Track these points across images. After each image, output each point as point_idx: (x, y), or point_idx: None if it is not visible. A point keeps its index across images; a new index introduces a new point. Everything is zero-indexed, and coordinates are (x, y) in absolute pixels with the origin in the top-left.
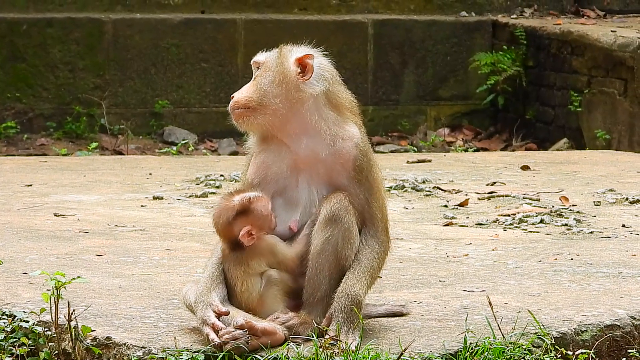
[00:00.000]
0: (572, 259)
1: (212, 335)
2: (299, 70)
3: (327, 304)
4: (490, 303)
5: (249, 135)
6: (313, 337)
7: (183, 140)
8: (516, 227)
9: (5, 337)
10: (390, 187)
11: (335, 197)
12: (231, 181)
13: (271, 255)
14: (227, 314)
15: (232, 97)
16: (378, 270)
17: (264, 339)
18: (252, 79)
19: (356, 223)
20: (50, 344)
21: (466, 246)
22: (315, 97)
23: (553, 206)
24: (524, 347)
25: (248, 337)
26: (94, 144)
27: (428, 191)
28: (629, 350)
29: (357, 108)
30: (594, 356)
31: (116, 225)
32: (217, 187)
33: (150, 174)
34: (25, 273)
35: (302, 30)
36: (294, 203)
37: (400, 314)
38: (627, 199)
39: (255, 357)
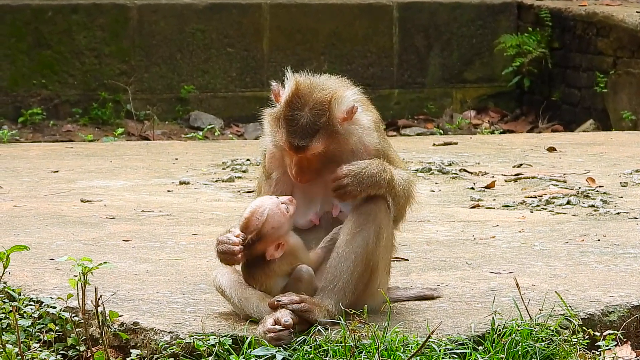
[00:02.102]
0: (599, 240)
1: (261, 327)
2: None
3: (344, 298)
4: (517, 285)
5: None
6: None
7: (209, 125)
8: (543, 208)
9: (32, 323)
10: (417, 170)
11: (373, 197)
12: (257, 165)
13: (293, 258)
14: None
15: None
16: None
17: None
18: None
19: (392, 227)
20: (77, 329)
21: (493, 228)
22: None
23: (580, 187)
24: (552, 328)
25: (291, 337)
26: (120, 130)
27: (454, 174)
28: None
29: (373, 107)
30: (621, 337)
31: (143, 211)
32: (244, 171)
33: (177, 159)
34: (52, 259)
35: (327, 14)
36: (312, 196)
37: (431, 297)
38: None
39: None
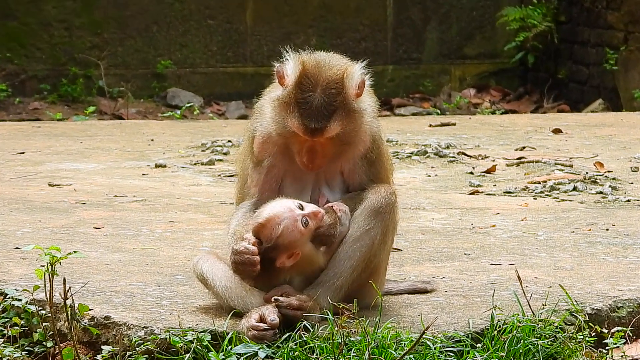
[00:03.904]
0: (607, 230)
1: (244, 322)
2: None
3: (338, 297)
4: (519, 277)
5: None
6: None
7: (188, 103)
8: (547, 195)
9: None
10: (412, 153)
11: (385, 189)
12: (239, 147)
13: (308, 265)
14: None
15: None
16: None
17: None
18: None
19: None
20: (44, 324)
21: (493, 216)
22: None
23: (587, 172)
24: (556, 324)
25: (276, 337)
26: (91, 108)
27: (452, 157)
28: None
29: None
30: (630, 334)
31: (115, 196)
32: (225, 153)
33: (152, 140)
34: (17, 248)
35: None
36: (304, 184)
37: (424, 291)
38: None
39: None
